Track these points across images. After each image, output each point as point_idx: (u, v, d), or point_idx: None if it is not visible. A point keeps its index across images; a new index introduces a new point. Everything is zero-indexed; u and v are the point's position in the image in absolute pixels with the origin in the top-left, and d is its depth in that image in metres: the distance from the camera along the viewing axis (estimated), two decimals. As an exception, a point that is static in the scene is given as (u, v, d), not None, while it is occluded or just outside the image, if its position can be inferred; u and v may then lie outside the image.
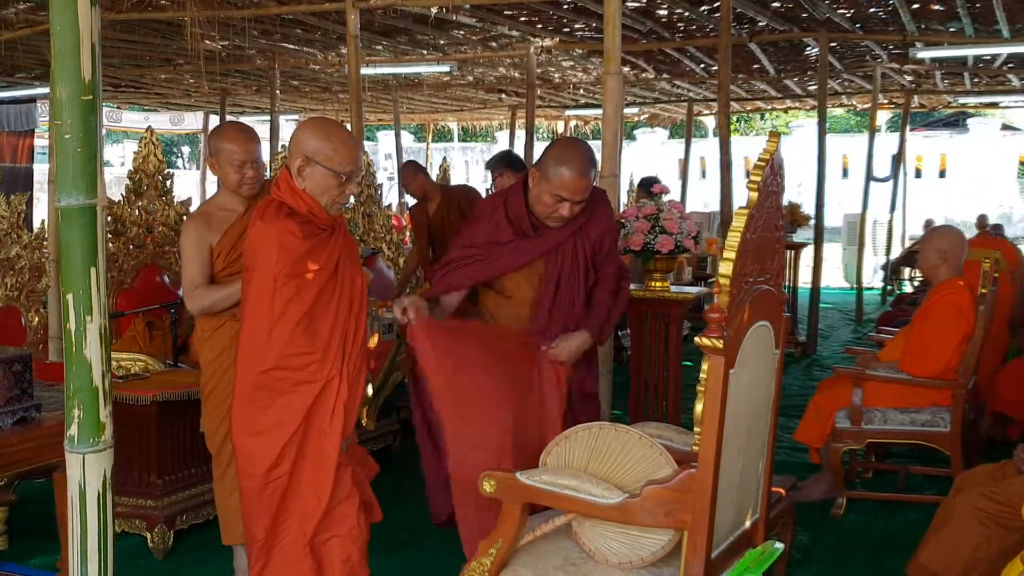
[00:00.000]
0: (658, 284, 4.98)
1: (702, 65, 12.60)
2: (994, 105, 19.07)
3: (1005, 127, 30.23)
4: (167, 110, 19.05)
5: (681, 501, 2.65)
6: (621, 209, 5.65)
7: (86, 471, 2.07)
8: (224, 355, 3.75)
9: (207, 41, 9.97)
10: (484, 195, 7.26)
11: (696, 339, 2.60)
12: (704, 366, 2.60)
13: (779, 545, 2.16)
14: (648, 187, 7.77)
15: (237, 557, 3.98)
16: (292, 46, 11.52)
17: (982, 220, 16.46)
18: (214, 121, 17.93)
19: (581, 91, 15.36)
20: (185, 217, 4.09)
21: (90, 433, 2.06)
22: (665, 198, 5.13)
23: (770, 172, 2.80)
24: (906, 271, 16.51)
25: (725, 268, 2.61)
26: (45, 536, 4.41)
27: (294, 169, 3.15)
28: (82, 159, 2.00)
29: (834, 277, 16.45)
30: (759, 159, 2.76)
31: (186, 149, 36.81)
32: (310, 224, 3.15)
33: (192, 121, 20.20)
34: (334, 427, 3.12)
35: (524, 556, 2.93)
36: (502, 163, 6.62)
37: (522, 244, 3.72)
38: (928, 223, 17.52)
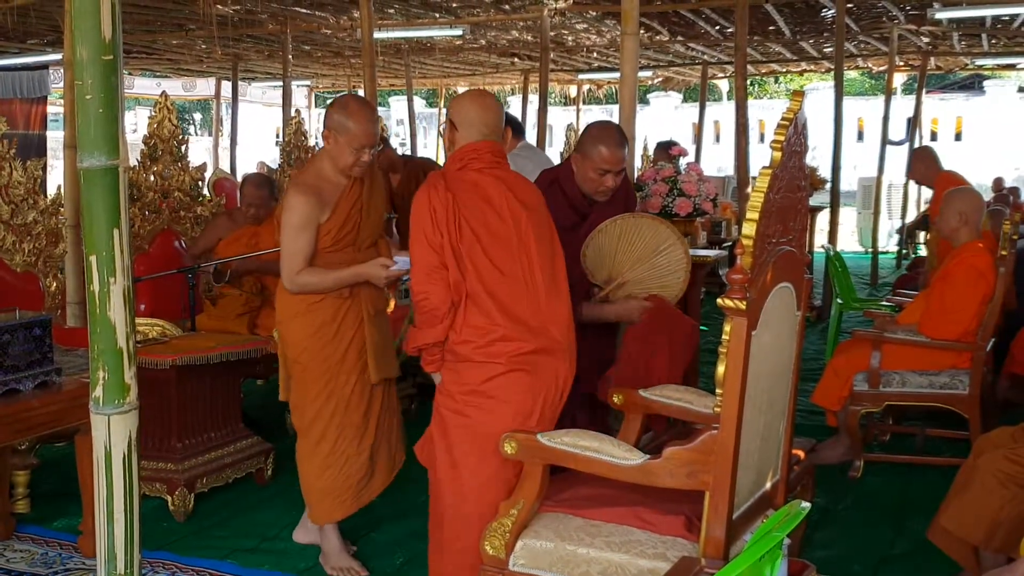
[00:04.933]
0: (676, 247, 4.94)
1: (717, 27, 12.48)
2: (1011, 67, 18.87)
3: (1022, 89, 29.93)
4: (179, 76, 19.00)
5: (703, 462, 2.65)
6: (637, 173, 5.61)
7: (111, 433, 2.07)
8: (324, 329, 3.72)
9: (219, 6, 9.94)
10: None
11: (719, 300, 2.58)
12: (726, 327, 2.58)
13: (805, 505, 2.15)
14: (666, 150, 7.73)
15: (327, 538, 3.97)
16: (304, 10, 11.45)
17: (998, 183, 16.34)
18: (226, 87, 17.89)
19: (594, 54, 15.25)
20: (287, 185, 3.89)
21: (115, 395, 2.06)
22: (682, 161, 5.09)
23: (793, 132, 2.77)
24: (921, 235, 16.42)
25: (748, 229, 2.59)
26: (67, 499, 4.45)
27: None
28: (104, 120, 1.98)
29: (849, 241, 16.37)
30: (783, 118, 2.73)
31: (198, 116, 36.76)
32: None
33: (204, 87, 20.17)
34: None
35: (545, 518, 2.94)
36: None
37: (585, 225, 3.96)
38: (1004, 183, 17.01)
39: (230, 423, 4.85)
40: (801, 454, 3.56)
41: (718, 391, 2.62)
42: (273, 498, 4.77)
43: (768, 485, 3.03)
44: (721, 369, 2.59)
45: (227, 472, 4.71)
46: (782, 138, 2.70)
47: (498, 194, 3.18)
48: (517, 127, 6.48)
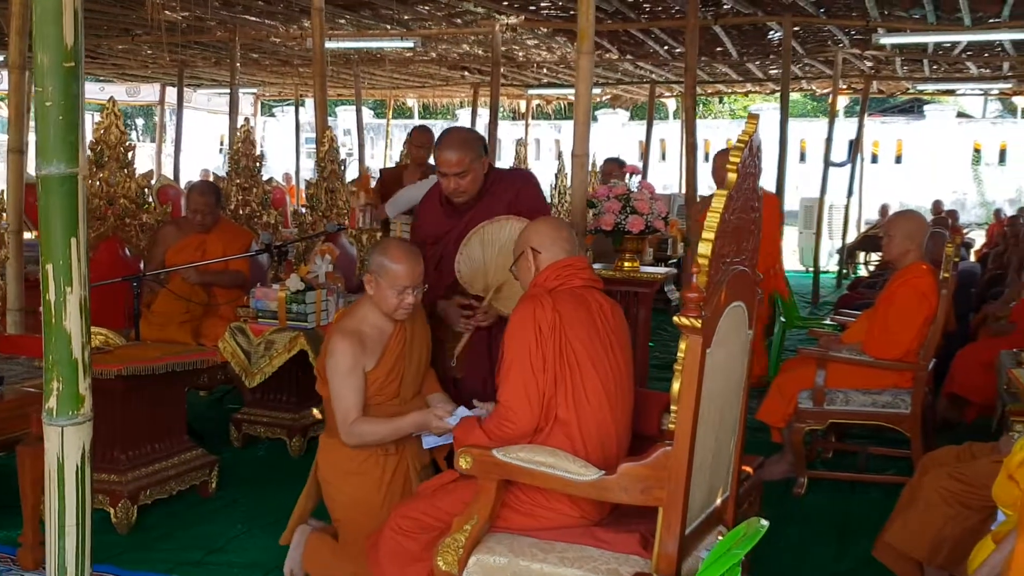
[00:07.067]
0: (628, 264, 4.99)
1: (666, 47, 12.62)
2: (950, 92, 19.32)
3: (960, 115, 30.67)
4: (123, 81, 18.75)
5: (657, 478, 2.67)
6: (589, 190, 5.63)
7: (64, 444, 2.03)
8: (374, 489, 3.52)
9: (167, 12, 9.84)
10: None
11: (675, 318, 2.61)
12: (682, 345, 2.61)
13: (764, 522, 2.18)
14: (620, 166, 7.80)
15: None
16: (253, 18, 11.38)
17: (938, 206, 16.73)
18: (171, 93, 17.68)
19: (544, 70, 15.33)
20: (331, 328, 3.70)
21: (69, 406, 2.02)
22: (632, 178, 5.12)
23: (748, 154, 2.81)
24: (861, 255, 16.76)
25: (704, 248, 2.62)
26: (5, 511, 4.35)
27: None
28: (64, 127, 1.96)
29: (790, 260, 16.60)
30: (738, 140, 2.77)
31: (140, 121, 36.32)
32: None
33: (148, 93, 19.93)
34: None
35: (499, 534, 2.93)
36: None
37: (461, 219, 4.04)
38: (884, 208, 17.81)
39: (174, 435, 4.77)
40: (749, 470, 3.60)
41: (672, 407, 2.65)
42: (218, 511, 4.71)
43: (718, 501, 3.07)
44: (676, 386, 2.62)
45: (171, 484, 4.63)
46: (738, 160, 2.74)
47: (598, 308, 3.15)
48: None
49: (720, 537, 2.62)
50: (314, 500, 3.78)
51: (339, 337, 3.47)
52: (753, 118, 2.88)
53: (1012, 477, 2.62)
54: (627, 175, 4.99)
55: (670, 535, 2.67)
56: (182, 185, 13.70)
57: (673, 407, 2.64)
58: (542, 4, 10.17)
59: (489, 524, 2.92)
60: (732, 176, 2.73)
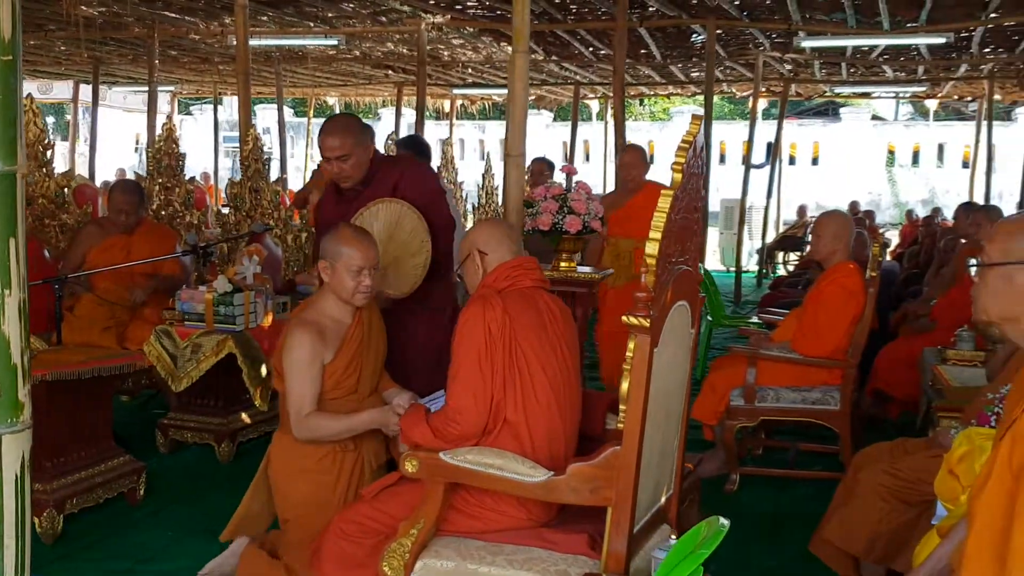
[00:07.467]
0: (565, 264, 4.98)
1: (591, 48, 12.68)
2: (866, 95, 19.77)
3: (875, 117, 31.46)
4: (34, 78, 18.24)
5: (606, 478, 2.67)
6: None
7: (3, 454, 1.94)
8: (327, 485, 3.45)
9: (83, 7, 9.59)
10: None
11: (624, 317, 2.60)
12: (631, 344, 2.61)
13: (725, 522, 2.18)
14: (550, 166, 7.80)
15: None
16: (173, 15, 11.15)
17: (854, 206, 17.10)
18: (84, 91, 17.26)
19: (469, 70, 15.30)
20: (288, 318, 3.68)
21: (8, 413, 1.93)
22: (560, 176, 5.14)
23: (692, 154, 2.82)
24: (780, 255, 17.08)
25: (651, 248, 2.62)
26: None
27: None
28: (1, 123, 1.87)
29: (711, 260, 16.84)
30: (683, 141, 2.78)
31: (50, 119, 35.39)
32: None
33: (61, 90, 19.46)
34: None
35: (445, 538, 2.90)
36: (403, 145, 6.53)
37: (351, 205, 4.12)
38: (801, 209, 18.15)
39: (101, 441, 4.65)
40: (691, 467, 3.63)
41: (622, 407, 2.64)
42: (146, 519, 4.60)
43: (663, 499, 3.08)
44: (625, 386, 2.62)
45: (98, 492, 4.51)
46: (683, 160, 2.75)
47: (546, 309, 3.12)
48: (414, 146, 6.43)
49: (673, 538, 2.62)
50: (261, 500, 3.70)
51: (298, 329, 3.43)
52: (697, 119, 2.90)
53: (952, 472, 2.67)
54: (565, 175, 4.99)
55: (619, 534, 2.66)
56: (98, 184, 13.36)
57: (622, 406, 2.64)
58: (468, 3, 10.15)
59: (436, 528, 2.88)
60: (678, 176, 2.74)
